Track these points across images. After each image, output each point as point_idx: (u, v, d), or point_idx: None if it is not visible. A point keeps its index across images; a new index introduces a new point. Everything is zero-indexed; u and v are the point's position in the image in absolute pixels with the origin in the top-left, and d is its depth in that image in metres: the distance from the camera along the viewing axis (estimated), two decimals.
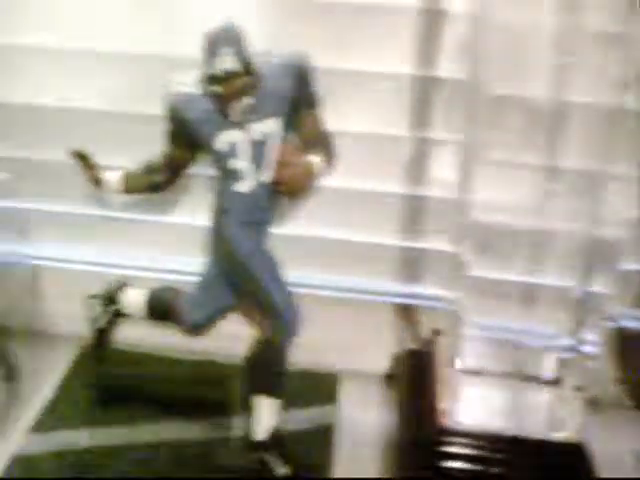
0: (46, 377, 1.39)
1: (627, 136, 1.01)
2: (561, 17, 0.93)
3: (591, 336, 1.09)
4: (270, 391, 1.15)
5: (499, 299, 1.03)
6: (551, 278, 1.06)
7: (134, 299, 1.30)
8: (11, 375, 1.36)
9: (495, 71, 0.96)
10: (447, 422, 1.03)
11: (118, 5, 1.21)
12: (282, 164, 1.06)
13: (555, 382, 1.10)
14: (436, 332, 1.21)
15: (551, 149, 0.98)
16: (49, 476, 1.18)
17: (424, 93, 1.18)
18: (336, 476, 1.18)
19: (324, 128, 1.13)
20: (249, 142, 1.09)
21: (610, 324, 1.23)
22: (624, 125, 0.99)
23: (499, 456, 1.01)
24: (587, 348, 1.09)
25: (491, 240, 1.00)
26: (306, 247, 1.28)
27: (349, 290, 1.32)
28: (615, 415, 1.27)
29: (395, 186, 1.25)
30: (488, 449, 1.01)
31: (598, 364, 1.14)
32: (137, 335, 1.44)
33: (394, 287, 1.33)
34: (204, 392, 1.35)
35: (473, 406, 1.06)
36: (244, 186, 1.12)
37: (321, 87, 1.11)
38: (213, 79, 1.04)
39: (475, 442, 1.01)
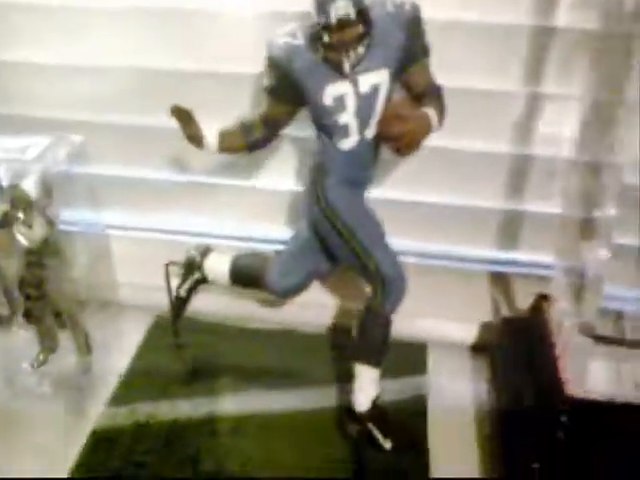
0: (121, 349, 1.34)
1: None
2: None
3: None
4: (373, 360, 1.09)
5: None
6: None
7: (218, 266, 1.25)
8: (85, 348, 1.32)
9: None
10: (576, 392, 0.98)
11: None
12: (398, 117, 0.99)
13: None
14: (544, 298, 1.16)
15: None
16: (132, 449, 1.13)
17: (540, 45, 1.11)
18: (432, 448, 1.13)
19: (435, 80, 1.07)
20: (357, 95, 1.03)
21: None
22: None
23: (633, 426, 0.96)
24: None
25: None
26: (399, 211, 1.22)
27: (443, 257, 1.27)
28: None
29: (502, 146, 1.19)
30: (621, 420, 0.97)
31: None
32: (210, 306, 1.40)
33: (490, 254, 1.27)
34: (287, 363, 1.30)
35: (600, 375, 1.01)
36: (348, 143, 1.06)
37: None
38: (325, 28, 0.97)
39: (607, 413, 0.97)
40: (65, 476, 1.08)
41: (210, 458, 1.11)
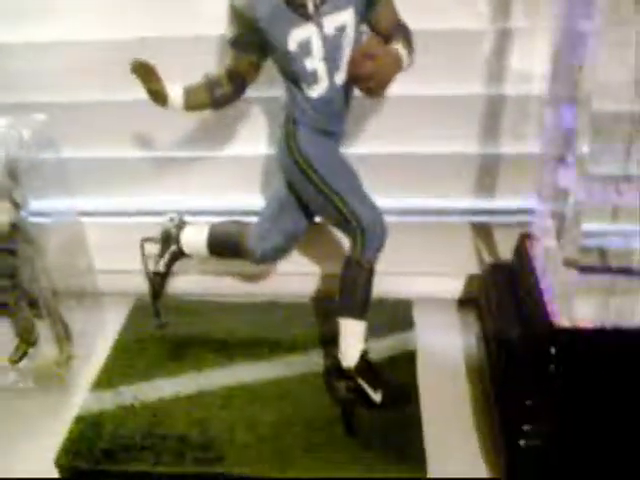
0: (102, 335, 1.31)
1: None
2: None
3: None
4: (357, 312, 1.05)
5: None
6: None
7: (195, 236, 1.22)
8: (64, 338, 1.28)
9: None
10: (564, 323, 0.96)
11: None
12: (367, 56, 0.96)
13: None
14: (527, 237, 1.14)
15: None
16: (118, 432, 1.09)
17: None
18: (424, 401, 1.10)
19: (401, 18, 1.05)
20: (323, 38, 1.00)
21: None
22: None
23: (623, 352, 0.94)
24: None
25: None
26: (374, 166, 1.18)
27: (423, 212, 1.25)
28: None
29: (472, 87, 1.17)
30: (611, 346, 0.95)
31: None
32: (191, 286, 1.37)
33: (468, 204, 1.25)
34: (271, 333, 1.27)
35: (587, 304, 0.98)
36: (317, 90, 1.03)
37: None
38: None
39: (597, 340, 0.95)
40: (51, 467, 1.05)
41: (197, 431, 1.08)
